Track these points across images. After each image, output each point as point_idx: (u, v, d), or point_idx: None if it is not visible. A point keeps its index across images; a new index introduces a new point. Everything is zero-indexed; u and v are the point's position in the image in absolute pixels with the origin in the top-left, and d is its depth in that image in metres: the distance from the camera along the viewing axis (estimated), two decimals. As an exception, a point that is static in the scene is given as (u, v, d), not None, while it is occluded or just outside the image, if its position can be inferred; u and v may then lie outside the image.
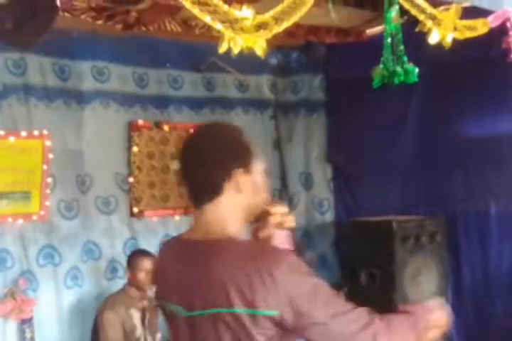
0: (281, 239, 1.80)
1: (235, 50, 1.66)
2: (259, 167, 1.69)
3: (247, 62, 2.80)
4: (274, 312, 1.50)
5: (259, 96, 5.05)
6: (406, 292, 3.75)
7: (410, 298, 3.75)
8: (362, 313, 1.58)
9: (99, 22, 3.41)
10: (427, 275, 3.99)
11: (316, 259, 2.00)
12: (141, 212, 4.40)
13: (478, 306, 3.98)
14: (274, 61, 5.04)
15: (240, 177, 1.64)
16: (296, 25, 3.73)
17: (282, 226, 1.79)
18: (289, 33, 3.71)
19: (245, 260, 1.54)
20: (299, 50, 4.87)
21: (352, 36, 3.98)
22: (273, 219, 1.75)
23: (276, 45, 4.78)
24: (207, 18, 1.61)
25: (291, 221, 1.80)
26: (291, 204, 5.10)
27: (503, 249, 3.92)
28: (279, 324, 1.52)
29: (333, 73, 4.72)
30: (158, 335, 3.95)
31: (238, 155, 1.67)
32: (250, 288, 1.50)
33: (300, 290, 1.52)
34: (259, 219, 1.76)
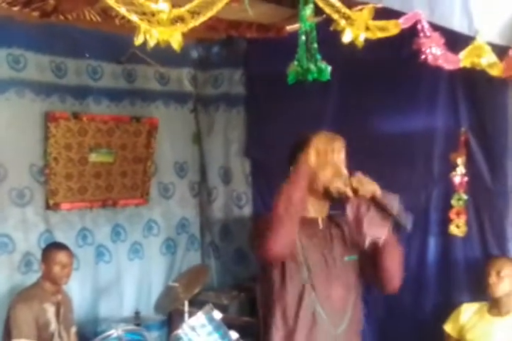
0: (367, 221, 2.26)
1: (151, 43, 1.68)
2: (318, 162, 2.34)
3: (168, 54, 2.80)
4: None
5: (179, 90, 5.05)
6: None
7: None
8: None
9: (16, 8, 3.32)
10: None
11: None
12: (57, 205, 4.33)
13: (387, 297, 4.10)
14: (194, 54, 5.05)
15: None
16: (217, 20, 3.75)
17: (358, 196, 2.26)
18: (209, 26, 3.74)
19: None
20: (219, 44, 4.89)
21: (272, 32, 4.03)
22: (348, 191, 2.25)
23: (197, 38, 4.80)
24: (122, 9, 1.61)
25: (365, 190, 2.26)
26: (210, 198, 5.13)
27: (411, 244, 4.04)
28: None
29: (253, 68, 4.74)
30: (73, 329, 3.90)
31: (293, 156, 2.41)
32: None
33: None
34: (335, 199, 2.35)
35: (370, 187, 2.24)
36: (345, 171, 2.39)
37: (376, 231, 2.26)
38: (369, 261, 2.41)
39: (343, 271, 2.39)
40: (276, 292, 2.37)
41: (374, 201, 2.23)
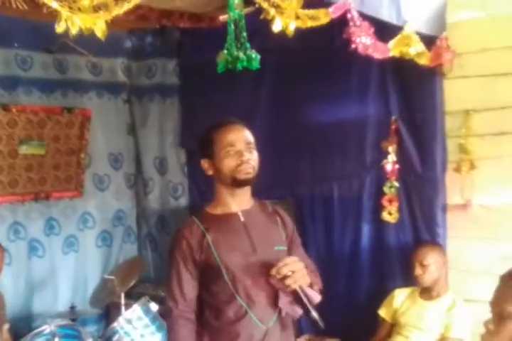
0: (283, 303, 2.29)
1: (73, 30, 1.64)
2: (220, 151, 2.32)
3: (100, 44, 2.75)
4: None
5: (113, 80, 4.97)
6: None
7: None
8: None
9: None
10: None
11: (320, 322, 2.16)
12: (-14, 199, 4.22)
13: (322, 284, 4.16)
14: (128, 44, 4.97)
15: (204, 163, 2.39)
16: (149, 9, 3.71)
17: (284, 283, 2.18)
18: (141, 16, 3.68)
19: None
20: (152, 34, 4.82)
21: (205, 22, 4.00)
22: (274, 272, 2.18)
23: (129, 28, 4.73)
24: (42, -5, 1.57)
25: (293, 281, 2.16)
26: (146, 190, 5.08)
27: (345, 231, 4.10)
28: None
29: (186, 58, 4.72)
30: (6, 326, 3.81)
31: (201, 148, 2.41)
32: None
33: None
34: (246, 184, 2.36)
35: (299, 283, 2.18)
36: (249, 156, 2.34)
37: (291, 310, 2.31)
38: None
39: (272, 261, 2.27)
40: (203, 292, 2.38)
41: (295, 292, 2.20)
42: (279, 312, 2.37)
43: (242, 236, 2.35)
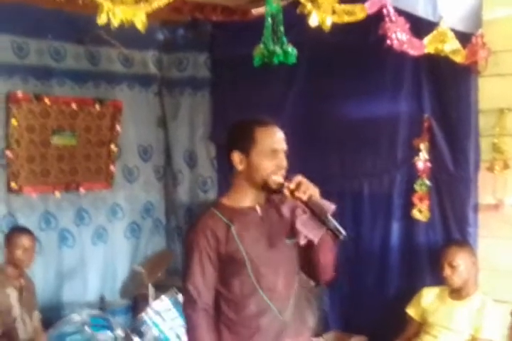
0: (302, 222, 2.23)
1: (115, 22, 1.64)
2: (260, 152, 2.27)
3: (132, 36, 2.77)
4: None
5: (144, 72, 4.99)
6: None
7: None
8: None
9: (-25, -13, 3.23)
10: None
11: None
12: (19, 188, 4.26)
13: (351, 281, 4.15)
14: (159, 36, 4.98)
15: (236, 157, 2.31)
16: (182, 1, 3.72)
17: (294, 197, 2.18)
18: (174, 8, 3.69)
19: None
20: (185, 27, 4.82)
21: (238, 15, 4.00)
22: (285, 191, 2.19)
23: (162, 20, 4.74)
24: (84, -12, 1.59)
25: (302, 192, 2.15)
26: (175, 182, 5.11)
27: (374, 229, 4.08)
28: None
29: (218, 51, 4.71)
30: (36, 314, 3.87)
31: (237, 141, 2.33)
32: None
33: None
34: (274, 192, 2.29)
35: (305, 190, 2.18)
36: (285, 163, 2.33)
37: (310, 232, 2.25)
38: (302, 252, 2.39)
39: (286, 255, 2.35)
40: (220, 287, 2.36)
41: (307, 205, 2.20)
42: (294, 299, 2.37)
43: (261, 229, 2.36)
